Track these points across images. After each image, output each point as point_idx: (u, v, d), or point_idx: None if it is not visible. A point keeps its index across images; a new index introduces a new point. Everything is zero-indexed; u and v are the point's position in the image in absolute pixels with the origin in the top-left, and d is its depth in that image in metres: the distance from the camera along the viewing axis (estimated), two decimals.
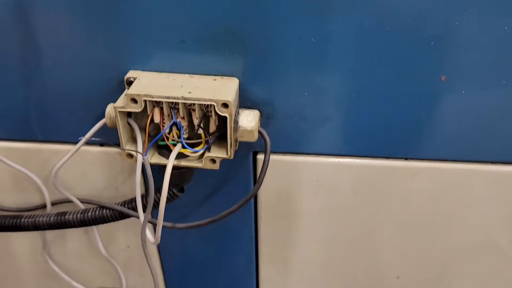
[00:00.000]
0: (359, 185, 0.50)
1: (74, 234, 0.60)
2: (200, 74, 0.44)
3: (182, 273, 0.63)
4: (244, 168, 0.51)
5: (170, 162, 0.41)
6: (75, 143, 0.50)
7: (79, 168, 0.53)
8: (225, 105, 0.40)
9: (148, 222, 0.48)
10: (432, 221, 0.52)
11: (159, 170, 0.47)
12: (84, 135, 0.47)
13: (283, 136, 0.48)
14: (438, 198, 0.50)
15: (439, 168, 0.48)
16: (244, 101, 0.45)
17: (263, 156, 0.49)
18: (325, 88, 0.44)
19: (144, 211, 0.48)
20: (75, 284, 0.64)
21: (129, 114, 0.44)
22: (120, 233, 0.59)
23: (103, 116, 0.47)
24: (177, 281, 0.64)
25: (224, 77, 0.44)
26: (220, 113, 0.40)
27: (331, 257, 0.57)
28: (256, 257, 0.59)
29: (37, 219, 0.52)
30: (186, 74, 0.44)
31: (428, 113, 0.44)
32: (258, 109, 0.45)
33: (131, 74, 0.44)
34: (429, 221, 0.53)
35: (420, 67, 0.42)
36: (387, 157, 0.48)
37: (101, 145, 0.51)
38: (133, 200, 0.51)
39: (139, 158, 0.44)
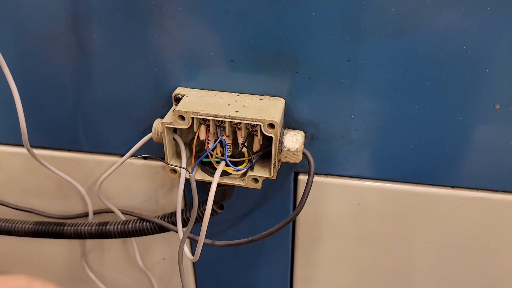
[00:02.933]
0: (402, 211, 0.49)
1: (112, 244, 0.61)
2: (246, 94, 0.44)
3: None
4: (285, 188, 0.50)
5: (215, 180, 0.41)
6: (120, 155, 0.52)
7: (122, 180, 0.53)
8: (272, 126, 0.40)
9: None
10: (476, 251, 0.50)
11: (199, 185, 0.48)
12: (128, 148, 0.48)
13: (326, 158, 0.47)
14: (485, 229, 0.49)
15: (488, 198, 0.46)
16: (289, 121, 0.45)
17: (305, 177, 0.49)
18: (373, 112, 0.43)
19: (183, 226, 0.48)
20: None
21: (174, 130, 0.44)
22: (157, 245, 0.59)
23: (148, 130, 0.48)
24: None
25: (271, 97, 0.44)
26: (266, 133, 0.40)
27: (367, 283, 0.56)
28: (291, 278, 0.59)
29: (79, 227, 0.53)
30: (233, 93, 0.44)
31: (478, 141, 0.43)
32: (302, 130, 0.45)
33: (179, 91, 0.45)
34: (473, 251, 0.51)
35: (473, 94, 0.40)
36: (432, 185, 0.47)
37: (145, 158, 0.52)
38: (173, 214, 0.51)
39: (183, 174, 0.44)
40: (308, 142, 0.46)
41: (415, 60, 0.40)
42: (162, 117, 0.44)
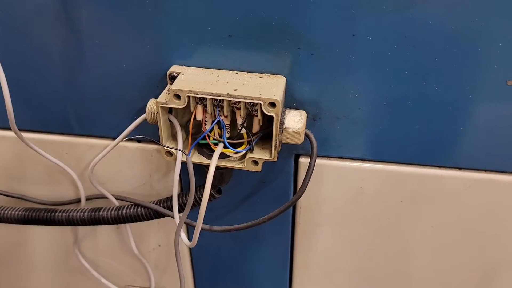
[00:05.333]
0: (406, 194, 0.47)
1: (105, 231, 0.59)
2: (245, 71, 0.42)
3: (213, 275, 0.61)
4: (285, 171, 0.48)
5: (213, 163, 0.39)
6: (112, 138, 0.50)
7: (114, 164, 0.51)
8: (273, 104, 0.38)
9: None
10: (486, 234, 0.49)
11: (195, 169, 0.46)
12: (121, 130, 0.46)
13: (329, 139, 0.45)
14: (491, 211, 0.47)
15: (496, 180, 0.45)
16: (290, 101, 0.43)
17: (306, 159, 0.47)
18: (378, 90, 0.41)
19: (179, 212, 0.47)
20: (103, 281, 0.63)
21: (169, 111, 0.42)
22: (152, 231, 0.58)
23: (141, 111, 0.46)
24: (207, 284, 0.62)
25: (271, 75, 0.42)
26: (266, 113, 0.38)
27: (370, 268, 0.55)
28: (291, 264, 0.57)
29: (71, 214, 0.51)
30: (231, 71, 0.42)
31: (489, 120, 0.41)
32: (304, 109, 0.43)
33: (174, 69, 0.42)
34: (480, 235, 0.49)
35: (484, 70, 0.39)
36: (439, 166, 0.45)
37: (139, 141, 0.50)
38: (169, 199, 0.49)
39: (179, 156, 0.42)
40: (310, 123, 0.44)
41: (424, 34, 0.38)
42: (157, 97, 0.42)
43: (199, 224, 0.40)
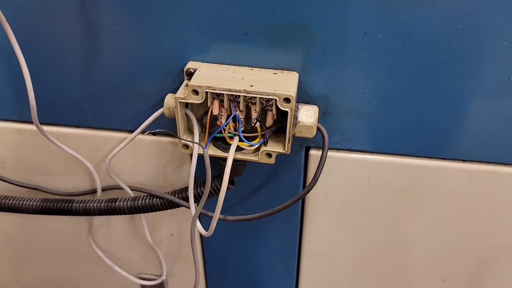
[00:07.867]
0: (412, 185, 0.49)
1: (119, 220, 0.61)
2: (259, 67, 0.44)
3: (223, 262, 0.63)
4: (296, 163, 0.50)
5: (231, 156, 0.41)
6: (127, 131, 0.51)
7: (130, 156, 0.53)
8: (287, 100, 0.40)
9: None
10: (486, 224, 0.51)
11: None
12: (136, 124, 0.48)
13: (338, 132, 0.47)
14: (494, 202, 0.49)
15: (498, 171, 0.47)
16: (302, 96, 0.45)
17: (317, 152, 0.49)
18: (387, 86, 0.43)
19: (195, 202, 0.48)
20: (116, 269, 0.65)
21: (186, 105, 0.44)
22: (164, 221, 0.59)
23: (156, 106, 0.48)
24: (217, 271, 0.64)
25: (284, 71, 0.43)
26: (281, 108, 0.40)
27: (376, 257, 0.57)
28: (299, 252, 0.59)
29: (88, 204, 0.53)
30: (246, 67, 0.44)
31: (492, 114, 0.43)
32: (315, 104, 0.45)
33: (191, 65, 0.44)
34: (483, 224, 0.51)
35: (489, 67, 0.40)
36: (444, 158, 0.47)
37: (154, 134, 0.51)
38: (183, 190, 0.51)
39: (196, 149, 0.44)
40: (320, 117, 0.46)
41: (432, 33, 0.39)
42: (172, 92, 0.44)
43: (217, 214, 0.42)
